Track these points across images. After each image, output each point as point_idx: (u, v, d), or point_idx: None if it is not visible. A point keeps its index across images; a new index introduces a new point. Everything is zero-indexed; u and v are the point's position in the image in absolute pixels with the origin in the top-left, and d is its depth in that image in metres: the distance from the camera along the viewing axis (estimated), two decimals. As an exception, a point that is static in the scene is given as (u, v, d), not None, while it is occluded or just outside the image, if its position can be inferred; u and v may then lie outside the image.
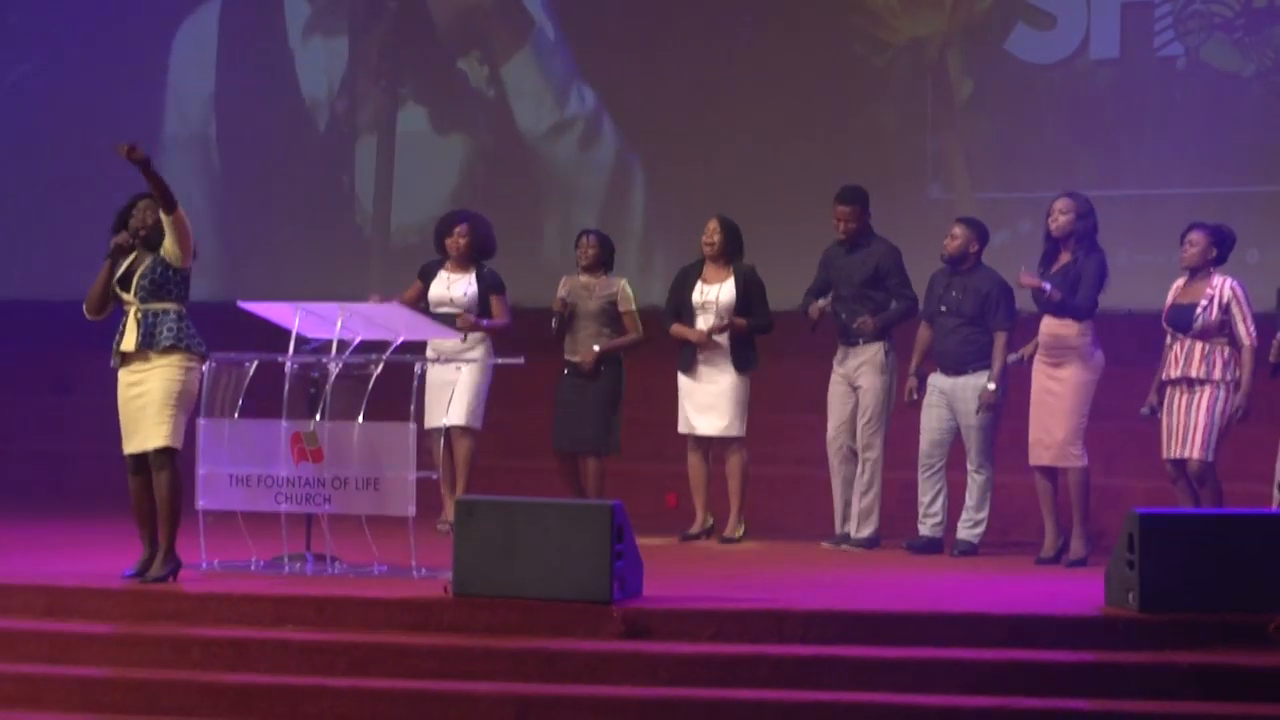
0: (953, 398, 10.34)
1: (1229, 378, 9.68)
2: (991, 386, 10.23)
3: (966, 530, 10.36)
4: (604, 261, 10.99)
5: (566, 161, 13.55)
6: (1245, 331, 9.62)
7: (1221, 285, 9.68)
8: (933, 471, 10.42)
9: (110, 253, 8.86)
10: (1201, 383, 9.67)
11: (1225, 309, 9.65)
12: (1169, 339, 9.76)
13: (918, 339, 10.47)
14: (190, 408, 8.93)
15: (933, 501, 10.42)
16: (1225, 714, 7.72)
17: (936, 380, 10.41)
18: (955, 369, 10.34)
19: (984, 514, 10.35)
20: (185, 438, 9.17)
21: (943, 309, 10.36)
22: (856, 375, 10.54)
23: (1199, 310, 9.66)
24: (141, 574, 8.93)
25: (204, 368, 9.01)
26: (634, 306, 10.89)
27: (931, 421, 10.41)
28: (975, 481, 10.35)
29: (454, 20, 13.82)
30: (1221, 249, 9.80)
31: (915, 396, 10.39)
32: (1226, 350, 9.67)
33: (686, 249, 11.17)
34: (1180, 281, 9.82)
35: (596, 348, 10.77)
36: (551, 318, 10.88)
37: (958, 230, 10.44)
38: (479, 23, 13.75)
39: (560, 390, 10.93)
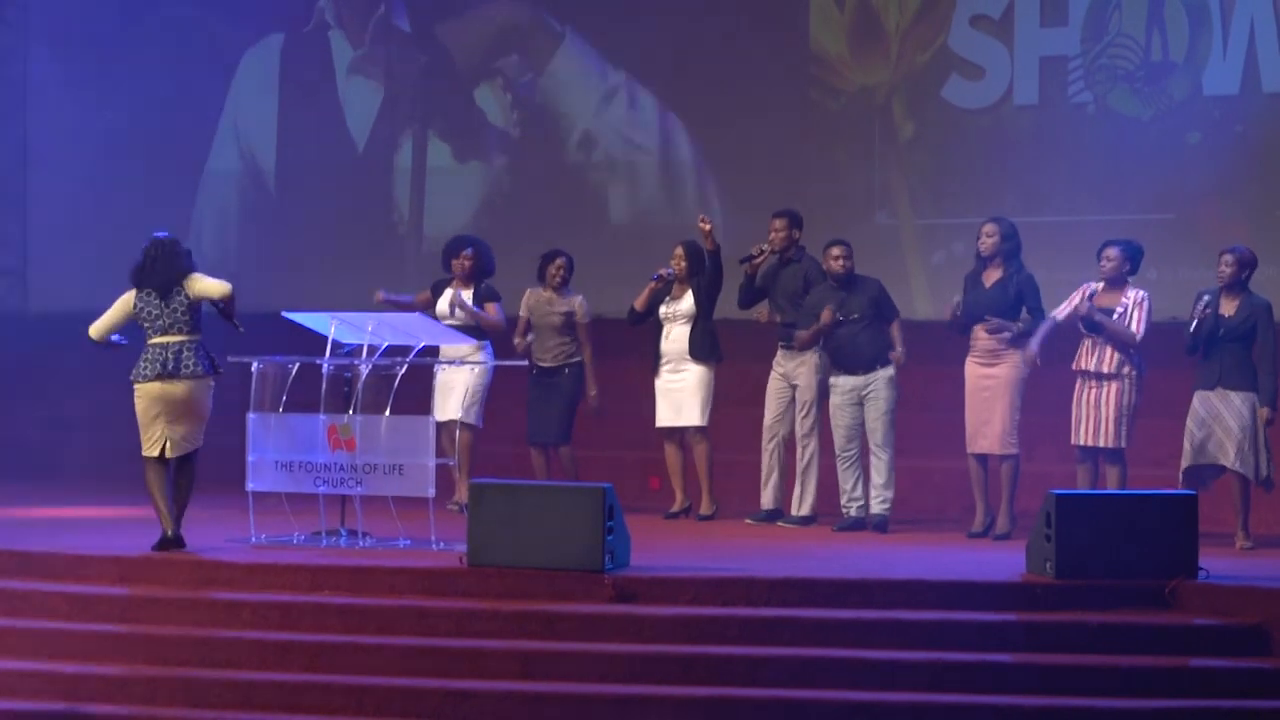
0: (865, 392, 10.18)
1: (1131, 372, 9.72)
2: (900, 349, 10.13)
3: (879, 506, 10.19)
4: (568, 280, 11.04)
5: (580, 182, 13.57)
6: (1137, 328, 9.64)
7: (1136, 295, 9.71)
8: (851, 462, 10.26)
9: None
10: (1110, 378, 9.70)
11: (1128, 310, 9.68)
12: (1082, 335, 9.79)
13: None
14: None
15: (854, 487, 10.26)
16: (1129, 665, 7.77)
17: (843, 381, 10.24)
18: (866, 368, 10.20)
19: (891, 490, 10.18)
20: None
21: (841, 318, 10.26)
22: (796, 375, 10.52)
23: (1117, 316, 9.68)
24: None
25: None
26: (588, 320, 10.92)
27: (844, 419, 10.26)
28: (881, 462, 10.17)
29: (475, 52, 13.83)
30: (1134, 262, 9.82)
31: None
32: (1131, 350, 9.71)
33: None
34: (1096, 287, 9.78)
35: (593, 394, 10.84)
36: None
37: (839, 250, 10.26)
38: (498, 59, 13.76)
39: (531, 390, 10.94)
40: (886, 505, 10.22)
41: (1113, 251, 9.78)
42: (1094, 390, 9.71)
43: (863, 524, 10.24)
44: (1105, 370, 9.69)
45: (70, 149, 14.16)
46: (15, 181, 14.33)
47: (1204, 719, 7.48)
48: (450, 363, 10.47)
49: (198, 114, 14.01)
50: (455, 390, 10.66)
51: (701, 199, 12.93)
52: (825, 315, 10.21)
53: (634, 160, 13.39)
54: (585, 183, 13.47)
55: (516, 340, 10.96)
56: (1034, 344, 9.75)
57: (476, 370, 10.64)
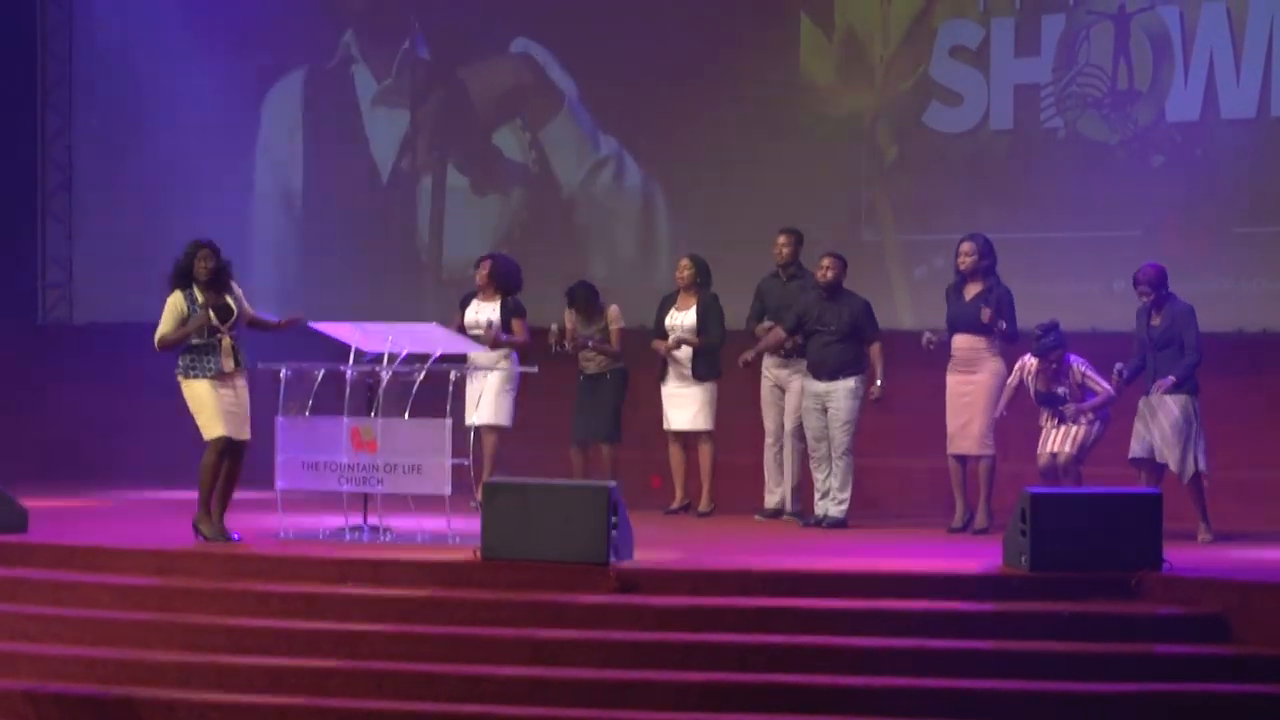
0: (826, 399, 10.06)
1: (1094, 417, 9.73)
2: (879, 383, 9.99)
3: (835, 508, 10.07)
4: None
5: (593, 208, 13.51)
6: (1102, 389, 9.72)
7: (1072, 371, 9.72)
8: (820, 461, 10.14)
9: (208, 315, 8.99)
10: (1076, 422, 9.74)
11: (1082, 385, 9.70)
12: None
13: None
14: None
15: (825, 481, 10.14)
16: (1098, 651, 7.74)
17: (810, 386, 10.14)
18: (830, 376, 10.08)
19: (848, 493, 10.07)
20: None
21: (819, 328, 10.15)
22: (789, 381, 10.43)
23: (1063, 390, 9.74)
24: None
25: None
26: (622, 324, 10.85)
27: (812, 421, 10.12)
28: (839, 467, 10.05)
29: (491, 98, 13.78)
30: (1063, 348, 9.76)
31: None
32: (1107, 405, 9.77)
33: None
34: (1033, 366, 9.77)
35: (590, 343, 10.74)
36: (552, 337, 10.80)
37: (827, 261, 10.15)
38: (514, 98, 13.70)
39: (578, 393, 10.89)
40: (843, 508, 10.09)
41: (1057, 353, 9.74)
42: (1061, 427, 9.72)
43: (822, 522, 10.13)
44: (1076, 420, 9.74)
45: (112, 171, 14.13)
46: (61, 202, 14.30)
47: (1168, 702, 7.47)
48: (474, 369, 10.41)
49: (233, 141, 13.98)
50: (479, 396, 10.57)
51: (698, 215, 12.90)
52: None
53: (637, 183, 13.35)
54: (595, 208, 13.42)
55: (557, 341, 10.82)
56: (1002, 403, 9.86)
57: (499, 376, 10.56)
